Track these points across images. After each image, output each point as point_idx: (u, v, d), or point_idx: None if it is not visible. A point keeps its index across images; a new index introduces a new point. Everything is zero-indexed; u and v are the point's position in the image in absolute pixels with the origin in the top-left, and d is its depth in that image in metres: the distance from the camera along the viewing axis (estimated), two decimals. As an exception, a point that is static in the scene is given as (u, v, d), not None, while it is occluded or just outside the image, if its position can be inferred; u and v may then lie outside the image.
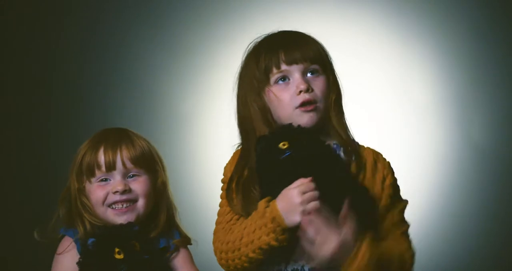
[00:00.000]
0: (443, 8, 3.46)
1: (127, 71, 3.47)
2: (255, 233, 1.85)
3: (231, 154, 2.01)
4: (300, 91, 1.91)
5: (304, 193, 1.80)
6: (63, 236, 2.05)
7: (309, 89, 1.91)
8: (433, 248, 3.40)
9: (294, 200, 1.80)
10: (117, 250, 1.92)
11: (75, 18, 3.47)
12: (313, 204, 1.79)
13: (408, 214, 2.02)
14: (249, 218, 1.88)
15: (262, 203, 1.86)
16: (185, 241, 2.09)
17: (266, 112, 1.95)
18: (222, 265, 1.92)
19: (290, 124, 1.88)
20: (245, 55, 2.00)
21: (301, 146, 1.82)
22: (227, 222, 1.94)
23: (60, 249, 2.02)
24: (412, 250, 1.94)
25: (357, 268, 1.79)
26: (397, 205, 1.96)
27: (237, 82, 2.00)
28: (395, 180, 1.98)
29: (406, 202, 1.98)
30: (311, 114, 1.92)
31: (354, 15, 3.45)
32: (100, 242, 1.94)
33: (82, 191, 2.03)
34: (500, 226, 3.44)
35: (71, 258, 1.99)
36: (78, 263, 1.93)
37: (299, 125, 1.88)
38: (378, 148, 2.02)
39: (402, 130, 3.46)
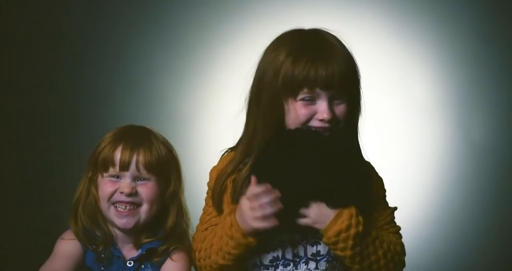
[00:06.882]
0: (443, 8, 3.46)
1: (128, 71, 3.47)
2: (222, 239, 1.87)
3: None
4: (322, 119, 1.88)
5: (253, 197, 1.80)
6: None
7: (330, 120, 1.88)
8: (433, 248, 3.40)
9: (243, 207, 1.82)
10: None
11: (75, 18, 3.47)
12: (264, 210, 1.80)
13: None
14: (219, 225, 1.91)
15: (227, 209, 1.89)
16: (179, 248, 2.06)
17: (280, 121, 1.90)
18: None
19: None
20: (279, 50, 1.89)
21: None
22: (204, 231, 1.97)
23: (66, 235, 2.05)
24: (402, 245, 1.94)
25: (335, 232, 1.81)
26: (387, 208, 1.99)
27: (257, 72, 1.93)
28: (385, 190, 2.01)
29: (395, 207, 2.00)
30: None
31: (354, 15, 3.45)
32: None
33: (93, 181, 2.05)
34: (500, 226, 3.45)
35: (73, 246, 2.02)
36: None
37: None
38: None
39: (402, 130, 3.47)
